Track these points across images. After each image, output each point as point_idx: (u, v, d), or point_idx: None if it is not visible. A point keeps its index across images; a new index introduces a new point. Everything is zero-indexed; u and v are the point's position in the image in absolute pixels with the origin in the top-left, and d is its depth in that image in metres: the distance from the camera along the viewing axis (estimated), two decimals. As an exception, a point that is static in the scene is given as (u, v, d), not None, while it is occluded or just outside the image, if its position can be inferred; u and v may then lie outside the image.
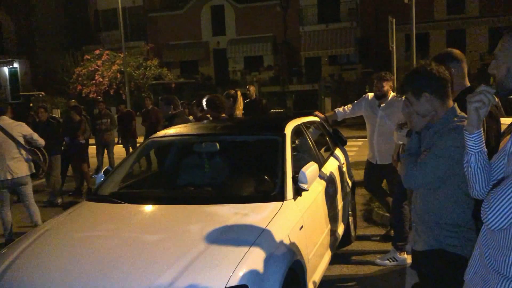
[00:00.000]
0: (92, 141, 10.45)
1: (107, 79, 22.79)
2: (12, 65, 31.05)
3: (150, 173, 6.45)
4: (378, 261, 4.89)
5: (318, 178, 4.01)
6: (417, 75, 2.41)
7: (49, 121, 8.45)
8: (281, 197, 3.36)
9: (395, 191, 5.02)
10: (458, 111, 2.39)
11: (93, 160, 10.63)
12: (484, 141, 1.85)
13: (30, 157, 6.17)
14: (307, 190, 3.51)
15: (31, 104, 21.40)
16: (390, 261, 4.84)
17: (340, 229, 4.76)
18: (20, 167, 6.04)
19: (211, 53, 29.19)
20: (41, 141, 6.35)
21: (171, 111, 5.70)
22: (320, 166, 4.32)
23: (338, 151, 5.35)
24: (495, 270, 1.69)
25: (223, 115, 5.57)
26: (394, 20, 9.09)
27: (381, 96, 5.24)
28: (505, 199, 1.58)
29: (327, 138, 5.42)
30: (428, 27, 24.50)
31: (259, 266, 2.61)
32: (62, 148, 9.03)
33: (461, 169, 2.10)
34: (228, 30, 28.51)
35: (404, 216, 4.80)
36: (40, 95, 23.10)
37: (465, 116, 2.24)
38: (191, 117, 7.20)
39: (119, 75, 22.64)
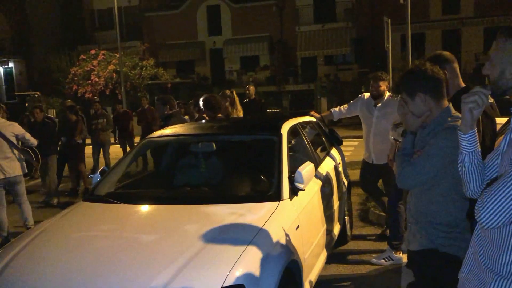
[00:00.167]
0: (88, 141, 10.44)
1: (102, 79, 22.74)
2: (7, 65, 30.93)
3: (147, 173, 6.46)
4: (374, 260, 4.91)
5: (314, 178, 4.02)
6: (412, 75, 2.42)
7: (45, 121, 8.44)
8: (277, 197, 3.36)
9: (390, 190, 5.04)
10: (453, 111, 2.40)
11: (89, 160, 10.62)
12: (478, 141, 1.86)
13: (23, 156, 6.20)
14: (303, 190, 3.52)
15: (26, 104, 21.32)
16: (386, 260, 4.87)
17: (336, 229, 4.77)
18: (13, 167, 6.10)
19: (207, 53, 29.16)
20: (33, 141, 6.42)
21: (167, 111, 5.70)
22: (316, 166, 4.33)
23: (334, 151, 5.37)
24: (489, 269, 1.71)
25: (219, 115, 5.58)
26: (389, 20, 9.12)
27: (377, 96, 5.26)
28: (498, 198, 1.60)
29: (323, 138, 5.44)
30: (423, 27, 24.57)
31: (256, 266, 2.62)
32: (58, 148, 9.02)
33: (455, 169, 2.12)
34: (224, 30, 28.50)
35: (400, 216, 4.82)
36: (36, 95, 23.00)
37: (460, 116, 2.25)
38: (187, 117, 7.21)
39: (115, 75, 22.60)
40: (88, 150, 10.43)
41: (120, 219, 3.37)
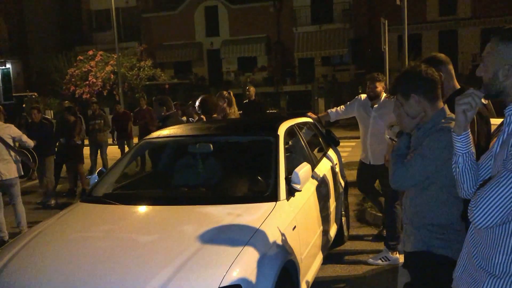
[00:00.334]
0: (86, 142, 10.44)
1: (100, 80, 22.71)
2: (5, 65, 30.86)
3: (144, 174, 6.47)
4: (371, 260, 4.94)
5: (311, 179, 4.04)
6: (406, 77, 2.44)
7: (42, 122, 8.45)
8: (274, 197, 3.38)
9: (387, 191, 5.06)
10: (448, 112, 2.41)
11: (86, 161, 10.61)
12: (471, 142, 1.88)
13: (19, 158, 6.23)
14: (300, 191, 3.54)
15: (23, 105, 21.29)
16: (382, 261, 4.89)
17: (333, 229, 4.79)
18: (9, 169, 6.14)
19: (205, 53, 29.18)
20: (30, 143, 6.48)
21: (164, 112, 5.72)
22: (313, 167, 4.35)
23: (331, 152, 5.39)
24: (482, 268, 1.73)
25: (215, 115, 5.60)
26: (386, 21, 9.16)
27: (374, 97, 5.28)
28: (491, 198, 1.62)
29: (320, 139, 5.46)
30: (420, 28, 24.64)
31: (253, 266, 2.64)
32: (56, 149, 9.02)
33: (448, 170, 2.14)
34: (222, 31, 28.52)
35: (396, 216, 4.84)
36: (33, 96, 22.98)
37: (454, 117, 2.27)
38: (184, 118, 7.22)
39: (112, 76, 22.58)
40: (86, 151, 10.43)
41: (117, 220, 3.39)
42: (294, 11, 26.98)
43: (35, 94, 23.39)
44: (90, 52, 23.85)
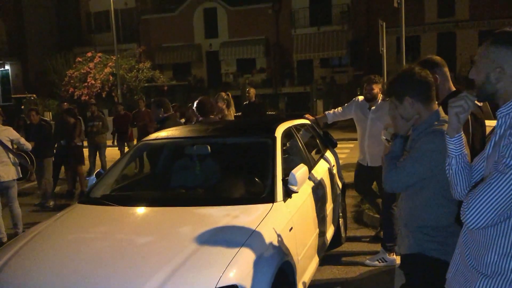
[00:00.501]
0: (85, 143, 10.45)
1: (99, 82, 22.74)
2: (4, 67, 30.89)
3: (142, 175, 6.49)
4: (368, 262, 4.95)
5: (308, 180, 4.06)
6: (400, 79, 2.46)
7: (41, 124, 8.46)
8: (271, 199, 3.40)
9: (385, 193, 5.08)
10: (442, 114, 2.42)
11: (86, 162, 10.61)
12: (464, 144, 1.90)
13: (17, 161, 6.28)
14: (297, 192, 3.55)
15: (22, 107, 21.30)
16: (379, 262, 4.90)
17: (330, 231, 4.81)
18: (8, 171, 6.19)
19: (204, 55, 29.21)
20: (28, 145, 6.56)
21: (161, 114, 5.74)
22: (310, 169, 4.37)
23: (328, 153, 5.41)
24: (474, 268, 1.76)
25: (212, 116, 5.62)
26: (384, 23, 9.19)
27: (371, 99, 5.31)
28: (482, 200, 1.64)
29: (318, 141, 5.48)
30: (418, 30, 24.70)
31: (249, 267, 2.66)
32: (54, 150, 9.03)
33: (441, 173, 2.16)
34: (221, 33, 28.55)
35: (393, 218, 4.85)
36: (32, 98, 23.00)
37: (447, 120, 2.29)
38: (183, 120, 7.24)
39: (111, 78, 22.61)
40: (85, 152, 10.43)
41: (115, 221, 3.40)
42: (292, 13, 27.04)
43: (34, 95, 23.41)
44: (89, 54, 23.90)
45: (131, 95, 22.12)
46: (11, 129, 6.49)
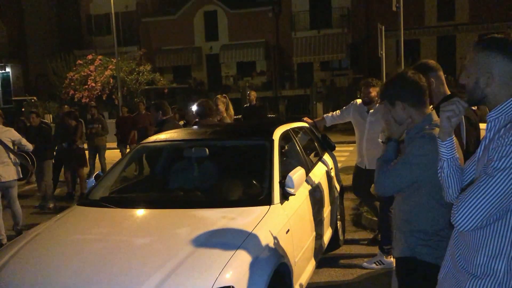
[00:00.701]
0: (85, 146, 10.46)
1: (99, 84, 22.80)
2: (4, 69, 30.98)
3: (141, 177, 6.53)
4: (365, 264, 4.97)
5: (306, 183, 4.09)
6: (392, 83, 2.49)
7: (41, 126, 8.50)
8: (268, 201, 3.43)
9: (382, 195, 5.10)
10: (435, 118, 2.43)
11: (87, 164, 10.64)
12: (455, 148, 1.93)
13: (18, 161, 6.36)
14: (294, 195, 3.58)
15: (23, 109, 21.36)
16: (377, 265, 4.93)
17: (328, 233, 4.83)
18: (9, 171, 6.28)
19: (204, 58, 29.28)
20: (29, 146, 6.64)
21: (160, 116, 5.78)
22: (308, 171, 4.40)
23: (326, 156, 5.44)
24: (464, 270, 1.79)
25: (211, 118, 5.66)
26: (383, 27, 9.23)
27: (368, 102, 5.34)
28: (471, 202, 1.67)
29: (316, 144, 5.51)
30: (418, 33, 24.74)
31: (245, 268, 2.69)
32: (54, 153, 9.07)
33: (433, 177, 2.19)
34: (221, 36, 28.62)
35: (391, 220, 4.87)
36: (32, 100, 23.06)
37: (438, 123, 2.32)
38: (182, 122, 7.28)
39: (111, 80, 22.66)
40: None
41: (113, 223, 3.44)
42: (292, 16, 27.10)
43: (34, 98, 23.48)
44: (90, 57, 23.97)
45: (132, 97, 22.17)
46: (12, 130, 6.58)
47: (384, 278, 4.72)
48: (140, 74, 23.49)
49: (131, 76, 23.23)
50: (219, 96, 6.61)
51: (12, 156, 6.30)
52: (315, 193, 4.34)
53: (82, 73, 23.20)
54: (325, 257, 4.97)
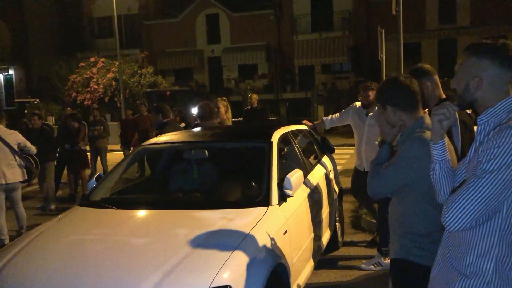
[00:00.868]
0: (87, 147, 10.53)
1: (102, 87, 22.89)
2: (7, 72, 31.11)
3: (142, 179, 6.58)
4: (364, 266, 5.01)
5: (304, 186, 4.14)
6: (383, 87, 2.54)
7: (43, 128, 8.58)
8: (266, 202, 3.47)
9: (380, 197, 5.13)
10: (427, 121, 2.46)
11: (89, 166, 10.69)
12: (447, 151, 1.98)
13: (23, 163, 6.44)
14: (292, 196, 3.63)
15: (25, 111, 21.46)
16: (375, 266, 4.96)
17: (326, 235, 4.87)
18: (14, 173, 6.40)
19: (206, 61, 29.36)
20: (33, 149, 6.78)
21: (160, 119, 5.84)
22: (307, 173, 4.45)
23: (325, 159, 5.48)
24: (454, 269, 1.83)
25: (211, 120, 5.71)
26: (383, 30, 9.29)
27: (367, 105, 5.39)
28: (461, 203, 1.72)
29: (315, 146, 5.55)
30: (419, 36, 24.77)
31: (243, 268, 2.73)
32: (56, 155, 9.13)
33: (424, 179, 2.23)
34: (223, 39, 28.70)
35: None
36: (35, 102, 23.15)
37: (429, 127, 2.36)
38: (182, 125, 7.34)
39: (114, 83, 22.75)
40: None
41: (113, 224, 3.48)
42: (294, 19, 27.18)
43: (37, 100, 23.57)
44: (92, 59, 24.06)
45: (134, 100, 22.24)
46: (17, 132, 6.72)
47: (382, 279, 4.75)
48: (142, 77, 23.57)
49: (133, 78, 23.32)
50: (219, 98, 6.68)
51: (17, 158, 6.43)
52: (314, 195, 4.38)
53: (85, 76, 23.29)
54: (323, 258, 5.01)
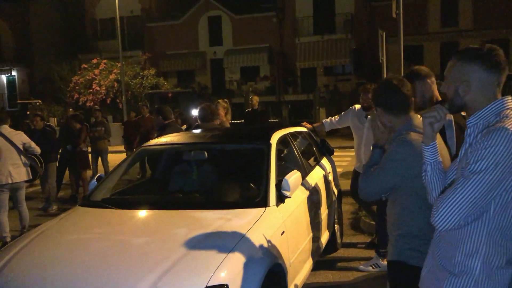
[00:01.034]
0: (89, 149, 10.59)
1: (104, 88, 22.98)
2: (10, 73, 31.27)
3: (142, 180, 6.64)
4: (362, 267, 5.05)
5: (303, 187, 4.18)
6: (374, 90, 2.60)
7: (45, 129, 8.65)
8: (264, 203, 3.51)
9: (379, 199, 5.17)
10: (415, 122, 2.50)
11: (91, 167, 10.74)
12: (438, 152, 2.02)
13: (28, 162, 6.65)
14: (289, 197, 3.67)
15: (28, 112, 21.55)
16: (373, 267, 5.00)
17: (325, 236, 4.90)
18: (20, 173, 6.55)
19: (208, 63, 29.43)
20: (38, 149, 6.90)
21: (161, 121, 5.90)
22: (305, 175, 4.49)
23: (324, 161, 5.52)
24: (444, 268, 1.88)
25: (212, 122, 5.76)
26: (384, 33, 9.32)
27: (367, 108, 5.43)
28: (449, 203, 1.76)
29: (314, 148, 5.60)
30: (421, 39, 24.78)
31: (239, 267, 2.77)
32: (58, 156, 9.19)
33: (414, 181, 2.28)
34: (225, 41, 28.77)
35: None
36: (37, 103, 23.26)
37: (417, 129, 2.41)
38: (184, 127, 7.39)
39: (116, 84, 22.84)
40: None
41: (113, 223, 3.54)
42: (296, 21, 27.21)
43: (39, 101, 23.69)
44: (94, 61, 24.16)
45: (136, 101, 22.33)
46: (22, 133, 6.88)
47: (379, 280, 4.78)
48: (144, 78, 23.66)
49: (135, 80, 23.41)
50: (220, 100, 6.74)
51: (23, 158, 6.58)
52: (312, 197, 4.42)
53: (87, 77, 23.40)
54: (322, 259, 5.04)
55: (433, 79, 3.24)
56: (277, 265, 3.16)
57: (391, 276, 2.58)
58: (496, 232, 1.77)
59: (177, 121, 8.57)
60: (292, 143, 4.84)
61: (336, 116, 5.89)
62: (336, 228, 5.55)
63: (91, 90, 23.06)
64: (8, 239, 6.36)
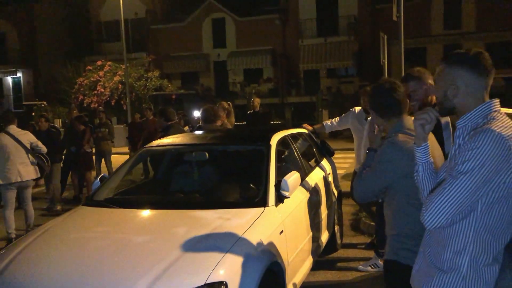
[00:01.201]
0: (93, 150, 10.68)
1: (108, 90, 23.10)
2: (16, 74, 31.49)
3: (144, 180, 6.73)
4: (361, 267, 5.10)
5: (302, 188, 4.25)
6: (369, 93, 2.66)
7: (50, 130, 8.77)
8: (263, 203, 3.58)
9: (379, 200, 5.23)
10: (406, 124, 2.55)
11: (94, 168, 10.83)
12: (430, 153, 2.09)
13: (35, 161, 6.86)
14: (288, 197, 3.73)
15: (33, 114, 21.71)
16: (372, 267, 5.06)
17: (324, 237, 4.96)
18: (28, 171, 6.76)
19: (212, 65, 29.55)
20: (44, 149, 7.12)
21: (164, 122, 5.99)
22: (305, 176, 4.55)
23: (324, 162, 5.58)
24: (433, 264, 1.94)
25: (214, 124, 5.83)
26: (385, 36, 9.39)
27: (368, 110, 5.49)
28: (437, 202, 1.83)
29: (314, 149, 5.66)
30: (425, 41, 24.81)
31: (238, 265, 2.84)
32: (63, 156, 9.30)
33: (401, 182, 2.34)
34: (229, 43, 28.88)
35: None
36: (42, 105, 23.42)
37: (407, 131, 2.47)
38: (186, 128, 7.47)
39: (120, 86, 22.95)
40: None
41: (115, 223, 3.62)
42: (300, 23, 27.28)
43: (44, 103, 23.84)
44: (99, 62, 24.29)
45: (140, 103, 22.44)
46: (29, 133, 7.09)
47: (378, 280, 4.83)
48: (149, 80, 23.77)
49: (140, 82, 23.52)
50: (223, 102, 6.81)
51: (30, 157, 6.76)
52: (311, 197, 4.48)
53: (92, 79, 23.52)
54: (321, 259, 5.10)
55: (429, 80, 3.29)
56: (275, 263, 3.23)
57: (387, 276, 2.63)
58: (483, 230, 1.84)
59: (180, 122, 8.67)
60: (292, 144, 4.90)
61: (336, 118, 5.96)
62: (336, 228, 5.61)
63: (95, 92, 23.18)
64: (13, 236, 6.48)
